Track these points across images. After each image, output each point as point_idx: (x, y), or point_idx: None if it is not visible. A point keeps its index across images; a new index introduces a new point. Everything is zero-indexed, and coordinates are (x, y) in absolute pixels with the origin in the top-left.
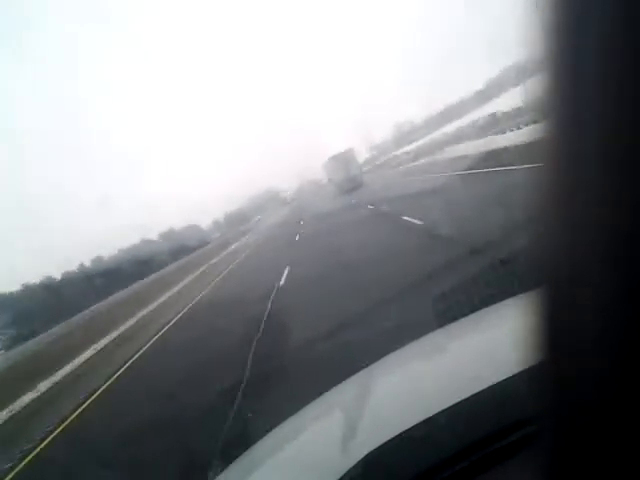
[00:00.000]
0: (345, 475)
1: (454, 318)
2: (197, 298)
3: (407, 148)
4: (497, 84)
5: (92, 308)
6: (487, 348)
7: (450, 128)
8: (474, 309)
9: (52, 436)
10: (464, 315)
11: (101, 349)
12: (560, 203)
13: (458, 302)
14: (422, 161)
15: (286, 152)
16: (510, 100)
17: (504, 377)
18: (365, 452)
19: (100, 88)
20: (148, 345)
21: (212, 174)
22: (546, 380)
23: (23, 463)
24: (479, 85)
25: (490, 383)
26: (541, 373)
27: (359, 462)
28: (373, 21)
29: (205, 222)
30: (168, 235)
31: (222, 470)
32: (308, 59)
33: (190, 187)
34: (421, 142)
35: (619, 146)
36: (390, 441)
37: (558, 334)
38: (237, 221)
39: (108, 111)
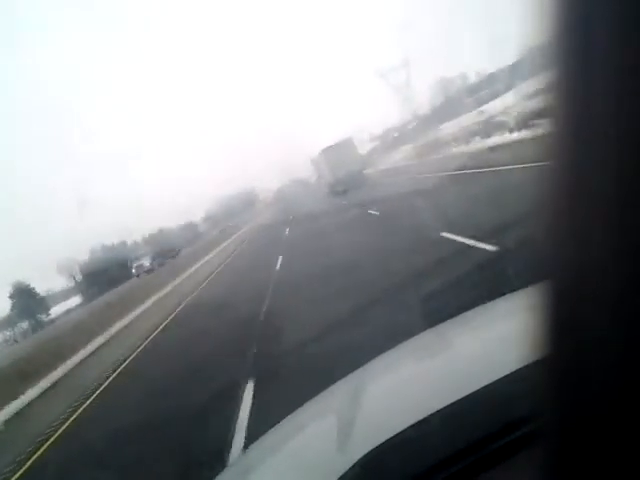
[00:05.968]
0: (342, 477)
1: (446, 317)
2: None
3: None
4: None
5: None
6: (482, 347)
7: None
8: (467, 307)
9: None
10: (456, 314)
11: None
12: (566, 200)
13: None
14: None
15: (262, 142)
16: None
17: (499, 376)
18: (361, 454)
19: (80, 85)
20: None
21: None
22: (548, 378)
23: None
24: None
25: (485, 382)
26: (543, 371)
27: (356, 463)
28: None
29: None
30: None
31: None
32: (292, 32)
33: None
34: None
35: (626, 145)
36: (385, 443)
37: (561, 331)
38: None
39: (83, 107)
